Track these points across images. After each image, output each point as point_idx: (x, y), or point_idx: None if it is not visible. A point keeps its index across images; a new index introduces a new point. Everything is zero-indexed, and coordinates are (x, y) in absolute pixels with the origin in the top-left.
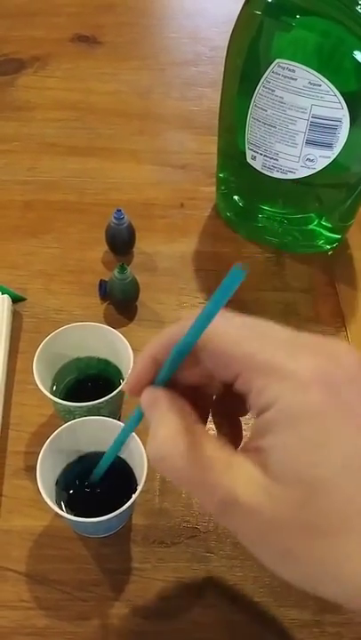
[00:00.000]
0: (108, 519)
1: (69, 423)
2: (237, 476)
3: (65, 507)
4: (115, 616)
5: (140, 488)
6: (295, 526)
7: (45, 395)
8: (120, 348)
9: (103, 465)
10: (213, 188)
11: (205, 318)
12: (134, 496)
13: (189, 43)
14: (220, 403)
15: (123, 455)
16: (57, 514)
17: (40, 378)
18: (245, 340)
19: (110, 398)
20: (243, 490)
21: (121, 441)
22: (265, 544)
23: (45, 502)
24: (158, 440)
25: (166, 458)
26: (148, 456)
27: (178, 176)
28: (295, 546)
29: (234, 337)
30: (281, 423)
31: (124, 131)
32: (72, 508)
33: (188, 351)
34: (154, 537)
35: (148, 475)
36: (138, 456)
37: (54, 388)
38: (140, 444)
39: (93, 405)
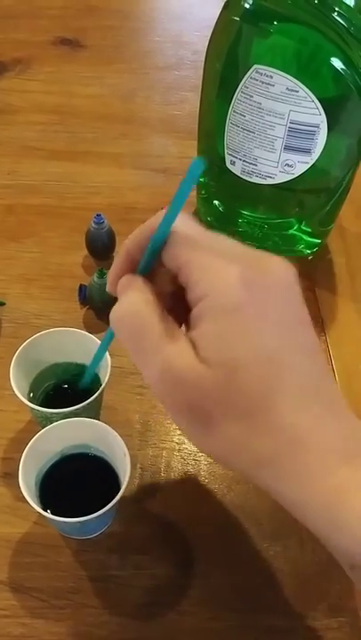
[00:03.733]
0: (92, 518)
1: (53, 425)
2: (178, 349)
3: (47, 507)
4: (91, 624)
5: (124, 486)
6: (216, 402)
7: (22, 401)
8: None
9: (85, 380)
10: (194, 193)
11: (174, 209)
12: (119, 494)
13: (172, 47)
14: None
15: (105, 457)
16: (35, 519)
17: (17, 384)
18: (192, 241)
19: (88, 404)
20: (179, 361)
21: (103, 347)
22: (189, 414)
23: (23, 509)
24: (127, 300)
25: (129, 316)
26: (113, 315)
27: (159, 180)
28: (215, 419)
29: (184, 237)
30: (208, 315)
31: (105, 135)
32: (55, 509)
33: (161, 241)
34: (131, 544)
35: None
36: (120, 455)
37: (32, 394)
38: (123, 444)
39: (71, 411)
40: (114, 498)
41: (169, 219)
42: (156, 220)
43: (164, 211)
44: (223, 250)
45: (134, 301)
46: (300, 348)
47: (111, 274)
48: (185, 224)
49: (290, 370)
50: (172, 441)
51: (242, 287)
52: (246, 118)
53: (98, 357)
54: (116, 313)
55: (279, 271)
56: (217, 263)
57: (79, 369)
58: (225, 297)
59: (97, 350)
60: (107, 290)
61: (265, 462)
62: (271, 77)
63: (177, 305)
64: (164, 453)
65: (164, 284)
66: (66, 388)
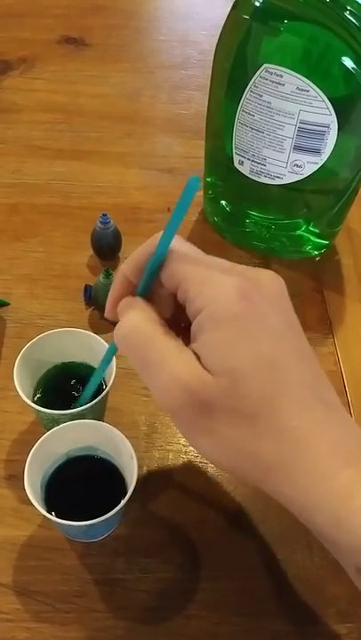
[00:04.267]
0: (98, 522)
1: (59, 427)
2: (183, 361)
3: (53, 510)
4: (97, 628)
5: (130, 489)
6: (222, 409)
7: (26, 402)
8: (102, 355)
9: (89, 390)
10: (201, 193)
11: (172, 228)
12: (126, 498)
13: (178, 46)
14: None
15: (112, 459)
16: (40, 522)
17: (21, 385)
18: (188, 259)
19: (93, 406)
20: (185, 373)
21: (107, 360)
22: (196, 424)
23: (27, 511)
24: (130, 318)
25: (133, 333)
26: (116, 333)
27: (165, 180)
28: (221, 426)
29: (181, 255)
30: (208, 325)
31: (111, 134)
32: (60, 512)
33: (159, 262)
34: (137, 547)
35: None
36: (127, 458)
37: (36, 395)
38: (130, 446)
39: (75, 413)
40: (120, 500)
41: (167, 238)
42: (151, 243)
43: (158, 234)
44: (218, 266)
45: (136, 318)
46: (297, 353)
47: (110, 299)
48: (181, 244)
49: (290, 374)
50: (179, 443)
51: (239, 298)
52: (255, 118)
53: (99, 374)
54: (119, 331)
55: (271, 283)
56: (214, 277)
57: (84, 369)
58: (223, 307)
59: (99, 366)
60: (105, 316)
61: (271, 466)
62: (281, 77)
63: (175, 327)
64: (171, 455)
65: (163, 308)
66: (70, 390)
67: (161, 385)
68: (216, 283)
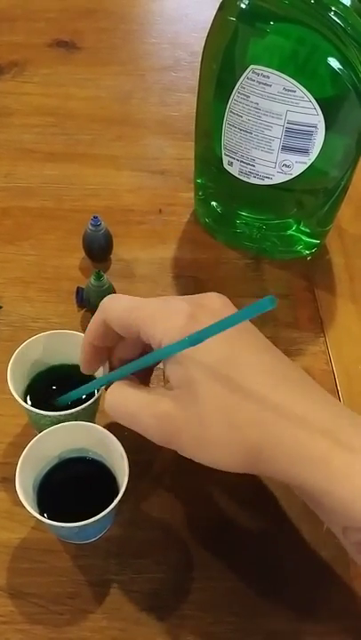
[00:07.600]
0: (91, 523)
1: (50, 429)
2: (156, 397)
3: (45, 512)
4: (91, 629)
5: (122, 490)
6: (194, 416)
7: (19, 403)
8: None
9: (76, 393)
10: (192, 194)
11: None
12: (117, 498)
13: (169, 48)
14: None
15: (103, 460)
16: (34, 524)
17: (14, 387)
18: (133, 308)
19: (86, 406)
20: (160, 403)
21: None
22: (185, 440)
23: (21, 514)
24: (111, 391)
25: (117, 400)
26: (106, 406)
27: (156, 182)
28: (202, 432)
29: (126, 310)
30: None
31: (102, 136)
32: (53, 514)
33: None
34: (130, 548)
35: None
36: (118, 459)
37: (29, 396)
38: (120, 447)
39: (70, 414)
40: (112, 502)
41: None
42: (100, 315)
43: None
44: (163, 300)
45: (116, 390)
46: (255, 348)
47: (83, 366)
48: (115, 299)
49: (248, 366)
50: None
51: (187, 320)
52: (243, 119)
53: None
54: (107, 404)
55: (214, 300)
56: (160, 311)
57: (75, 371)
58: (176, 331)
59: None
60: (81, 371)
61: (258, 448)
62: (268, 77)
63: None
64: (163, 456)
65: (136, 347)
66: (63, 391)
67: (150, 426)
68: (166, 316)
